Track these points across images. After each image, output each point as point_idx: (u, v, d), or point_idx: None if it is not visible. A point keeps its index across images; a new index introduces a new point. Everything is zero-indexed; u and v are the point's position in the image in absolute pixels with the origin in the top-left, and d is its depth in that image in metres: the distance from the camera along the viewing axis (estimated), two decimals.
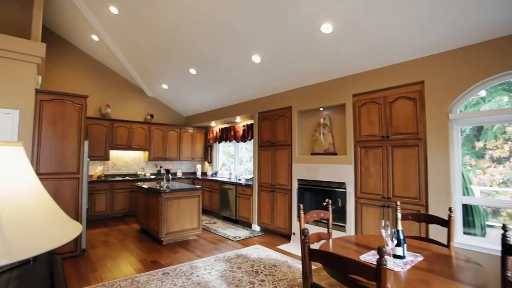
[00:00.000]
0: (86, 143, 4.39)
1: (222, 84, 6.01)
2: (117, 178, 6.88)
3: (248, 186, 6.07)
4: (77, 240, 4.19)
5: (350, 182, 4.21)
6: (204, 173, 8.73)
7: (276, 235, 5.43)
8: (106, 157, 6.87)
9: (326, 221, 2.91)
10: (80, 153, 4.26)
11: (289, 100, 5.34)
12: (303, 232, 1.74)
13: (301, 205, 2.56)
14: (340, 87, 4.48)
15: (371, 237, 2.49)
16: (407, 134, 3.65)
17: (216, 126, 8.34)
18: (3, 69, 3.67)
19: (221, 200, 6.81)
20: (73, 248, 4.14)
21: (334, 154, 4.67)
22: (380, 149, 3.95)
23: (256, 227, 5.81)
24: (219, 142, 8.08)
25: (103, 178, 6.86)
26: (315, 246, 1.89)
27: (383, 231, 1.90)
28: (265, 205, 5.67)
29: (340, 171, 4.36)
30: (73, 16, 5.35)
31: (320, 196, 4.68)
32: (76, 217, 4.18)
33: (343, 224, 4.26)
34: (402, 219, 2.49)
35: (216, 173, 8.21)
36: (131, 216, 6.91)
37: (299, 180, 5.01)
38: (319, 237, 2.50)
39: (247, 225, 6.10)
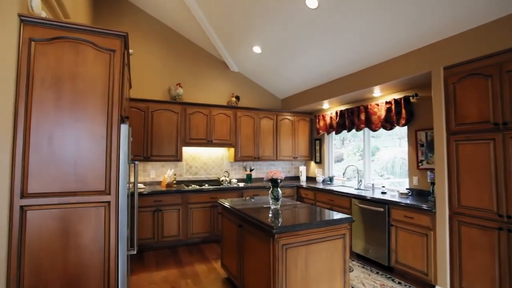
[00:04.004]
0: (125, 128, 2.12)
1: (356, 24, 3.25)
2: (193, 187, 4.71)
3: (417, 209, 3.18)
4: None
5: None
6: (310, 178, 6.09)
7: None
8: (178, 157, 4.77)
9: None
10: (110, 150, 2.01)
11: None
12: None
13: None
14: None
15: None
16: None
17: (331, 109, 5.60)
18: None
19: (353, 226, 4.07)
20: None
21: None
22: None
23: None
24: (337, 132, 5.32)
25: (174, 186, 4.78)
26: None
27: None
28: (473, 256, 2.71)
29: None
30: None
31: None
32: (105, 283, 1.94)
33: None
34: None
35: (331, 179, 5.47)
36: (213, 243, 4.68)
37: None
38: None
39: (419, 283, 3.21)
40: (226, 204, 3.23)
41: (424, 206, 3.12)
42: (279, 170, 6.03)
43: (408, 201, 3.39)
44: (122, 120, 2.21)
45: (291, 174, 6.24)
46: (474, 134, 2.76)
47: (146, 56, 4.96)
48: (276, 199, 2.98)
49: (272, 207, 2.98)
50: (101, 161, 1.97)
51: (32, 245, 1.78)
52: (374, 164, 5.21)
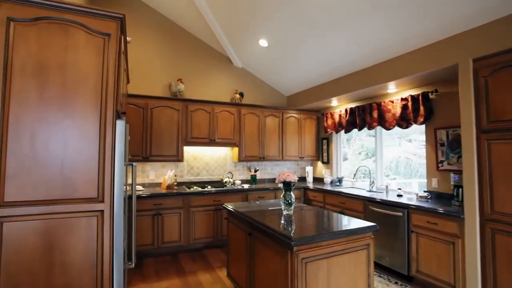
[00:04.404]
0: (121, 125, 1.83)
1: (375, 14, 2.96)
2: (195, 189, 4.43)
3: (442, 214, 2.90)
4: None
5: None
6: (317, 179, 5.81)
7: None
8: (178, 157, 4.48)
9: None
10: (104, 151, 1.71)
11: None
12: None
13: None
14: None
15: None
16: None
17: (339, 106, 5.32)
18: None
19: None
20: None
21: None
22: None
23: None
24: (347, 131, 5.04)
25: (175, 188, 4.49)
26: None
27: None
28: (511, 268, 2.44)
29: None
30: None
31: None
32: None
33: None
34: None
35: (340, 180, 5.19)
36: (216, 248, 4.39)
37: None
38: None
39: None
40: (233, 208, 2.95)
41: (451, 212, 2.85)
42: (284, 170, 5.75)
43: (430, 205, 3.11)
44: (118, 115, 1.93)
45: (297, 174, 5.96)
46: (511, 133, 2.49)
47: (144, 50, 4.67)
48: (288, 204, 2.69)
49: (284, 212, 2.70)
50: (93, 163, 1.68)
51: (9, 264, 1.49)
52: (377, 164, 5.04)
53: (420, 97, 3.76)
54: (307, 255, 1.94)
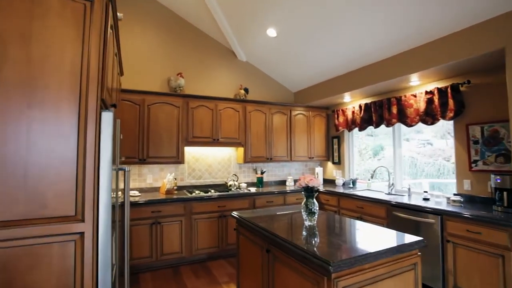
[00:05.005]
0: (108, 117, 1.39)
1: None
2: (197, 193, 4.00)
3: (487, 222, 2.49)
4: None
5: None
6: (328, 181, 5.40)
7: None
8: (179, 159, 4.05)
9: None
10: (84, 152, 1.28)
11: None
12: None
13: None
14: None
15: None
16: None
17: (352, 102, 4.92)
18: None
19: None
20: None
21: None
22: None
23: None
24: (361, 129, 4.62)
25: (175, 192, 4.06)
26: None
27: None
28: None
29: None
30: None
31: None
32: None
33: None
34: None
35: (353, 182, 4.78)
36: (221, 259, 3.96)
37: None
38: None
39: None
40: (244, 218, 2.52)
41: (500, 220, 2.44)
42: (292, 172, 5.34)
43: (469, 211, 2.70)
44: (105, 106, 1.50)
45: None
46: None
47: (141, 41, 4.24)
48: (311, 213, 2.27)
49: (307, 223, 2.29)
50: (69, 168, 1.25)
51: None
52: (380, 163, 4.85)
53: (449, 90, 3.36)
54: (349, 283, 1.53)
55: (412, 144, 4.58)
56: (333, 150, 5.35)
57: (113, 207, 1.78)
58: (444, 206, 2.98)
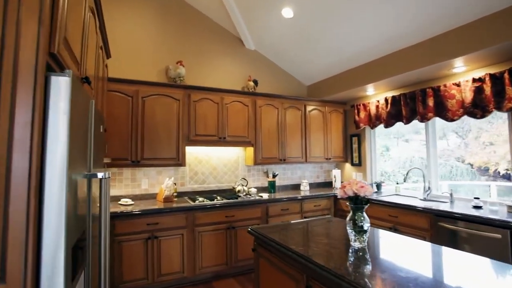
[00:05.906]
0: (65, 85, 0.79)
1: None
2: (200, 201, 3.40)
3: None
4: None
5: None
6: None
7: None
8: (179, 161, 3.45)
9: None
10: (10, 142, 0.68)
11: None
12: None
13: None
14: None
15: None
16: None
17: (376, 95, 4.34)
18: None
19: None
20: None
21: None
22: None
23: None
24: (387, 125, 4.04)
25: (175, 200, 3.46)
26: None
27: None
28: None
29: None
30: None
31: None
32: None
33: None
34: None
35: (378, 186, 4.19)
36: (230, 278, 3.36)
37: None
38: None
39: None
40: (267, 236, 1.93)
41: None
42: (306, 174, 4.76)
43: None
44: (61, 69, 0.90)
45: (320, 179, 4.95)
46: None
47: (134, 25, 3.65)
48: (361, 231, 1.68)
49: (355, 245, 1.70)
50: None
51: None
52: (387, 164, 4.71)
53: (506, 75, 2.79)
54: None
55: (412, 145, 4.47)
56: (352, 150, 4.77)
57: (93, 218, 1.20)
58: (503, 216, 2.41)
